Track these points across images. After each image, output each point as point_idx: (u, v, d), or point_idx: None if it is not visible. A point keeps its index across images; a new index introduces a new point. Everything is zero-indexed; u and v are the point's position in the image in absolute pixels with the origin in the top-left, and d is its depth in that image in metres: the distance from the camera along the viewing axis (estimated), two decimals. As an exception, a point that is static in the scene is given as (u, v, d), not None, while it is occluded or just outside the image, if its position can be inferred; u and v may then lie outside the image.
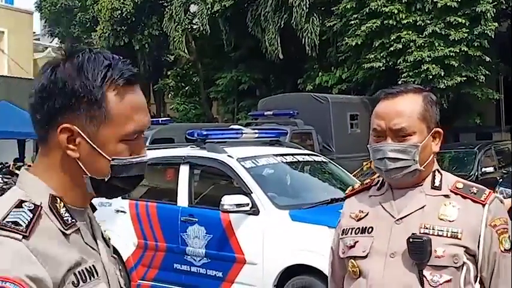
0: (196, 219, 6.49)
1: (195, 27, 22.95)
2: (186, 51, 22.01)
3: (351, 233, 2.03)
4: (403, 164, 1.91)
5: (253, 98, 20.52)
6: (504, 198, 10.43)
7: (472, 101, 16.47)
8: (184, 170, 6.90)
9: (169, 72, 25.46)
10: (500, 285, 1.91)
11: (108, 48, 23.73)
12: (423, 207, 1.93)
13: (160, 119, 18.01)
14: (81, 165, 1.34)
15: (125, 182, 1.40)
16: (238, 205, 6.04)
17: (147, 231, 6.92)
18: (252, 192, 6.17)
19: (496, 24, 14.99)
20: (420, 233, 1.88)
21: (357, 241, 1.98)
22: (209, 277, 6.31)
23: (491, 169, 12.69)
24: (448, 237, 1.87)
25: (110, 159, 1.34)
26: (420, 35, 15.17)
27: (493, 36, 14.91)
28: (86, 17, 26.50)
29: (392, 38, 15.42)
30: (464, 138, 18.00)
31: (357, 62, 16.94)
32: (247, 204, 6.05)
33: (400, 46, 15.25)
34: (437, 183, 1.97)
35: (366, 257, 1.95)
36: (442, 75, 14.79)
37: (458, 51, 14.83)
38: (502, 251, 1.90)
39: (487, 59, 15.20)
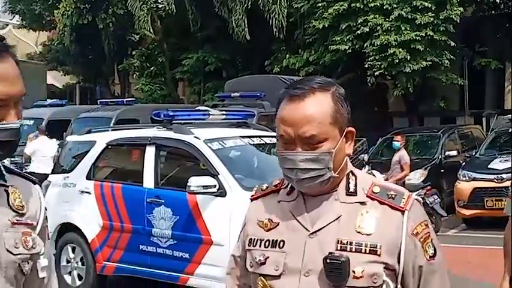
0: (163, 201, 6.43)
1: (160, 6, 22.61)
2: (151, 30, 21.72)
3: (260, 246, 1.81)
4: (316, 173, 1.72)
5: (219, 79, 20.41)
6: (466, 181, 10.53)
7: (436, 85, 16.66)
8: (150, 151, 6.82)
9: (134, 52, 25.10)
10: None
11: (72, 26, 23.28)
12: (339, 217, 1.74)
13: (125, 100, 17.83)
14: None
15: None
16: (205, 187, 6.00)
17: (113, 212, 6.83)
18: (218, 174, 6.13)
19: (461, 9, 15.15)
20: (337, 249, 1.70)
21: (268, 257, 1.78)
22: (175, 258, 6.27)
23: (454, 153, 12.88)
24: (366, 253, 1.70)
25: None
26: (387, 19, 15.24)
27: (458, 21, 15.06)
28: (48, -6, 25.89)
29: (359, 21, 15.46)
30: (428, 122, 18.25)
31: (324, 45, 16.94)
32: (214, 186, 6.01)
33: (367, 29, 15.31)
34: (352, 188, 1.78)
35: (278, 276, 1.76)
36: (408, 59, 14.89)
37: (424, 35, 14.95)
38: (427, 259, 1.76)
39: (452, 43, 15.36)
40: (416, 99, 17.19)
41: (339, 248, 1.71)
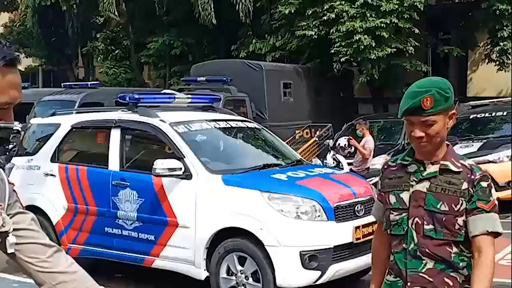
0: (128, 183, 6.42)
1: (126, -11, 22.33)
2: (116, 13, 21.42)
3: None
4: None
5: (185, 63, 20.30)
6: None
7: (401, 72, 16.85)
8: (115, 134, 6.80)
9: (98, 35, 24.77)
10: None
11: (34, 8, 22.85)
12: None
13: (89, 83, 17.58)
14: None
15: None
16: (170, 169, 6.01)
17: (78, 195, 6.81)
18: (184, 157, 6.15)
19: (425, -4, 15.34)
20: None
21: None
22: (141, 240, 6.28)
23: (417, 139, 13.09)
24: None
25: None
26: (352, 5, 15.33)
27: (422, 9, 15.25)
28: (10, -26, 25.35)
29: (325, 8, 15.52)
30: (393, 108, 18.44)
31: (290, 30, 16.99)
32: (180, 169, 6.02)
33: (333, 16, 15.38)
34: None
35: None
36: (373, 46, 15.03)
37: (388, 22, 15.09)
38: None
39: (416, 31, 15.55)
40: (381, 85, 17.39)
41: None
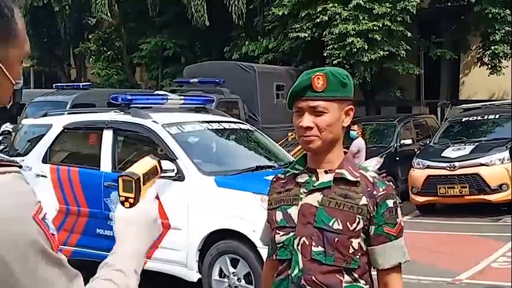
0: (120, 185, 6.38)
1: (118, -11, 22.27)
2: (108, 14, 21.34)
3: None
4: None
5: (178, 64, 20.27)
6: (420, 169, 10.76)
7: (393, 75, 16.89)
8: (107, 135, 6.77)
9: (90, 36, 24.70)
10: None
11: (26, 8, 22.73)
12: None
13: (81, 84, 17.52)
14: None
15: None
16: (163, 171, 5.97)
17: (69, 196, 6.77)
18: (177, 158, 6.13)
19: (418, 0, 15.37)
20: None
21: None
22: (133, 243, 6.23)
23: (409, 141, 13.12)
24: None
25: (14, 83, 1.18)
26: (345, 8, 15.35)
27: (414, 12, 15.29)
28: (2, -26, 25.18)
29: (318, 10, 15.54)
30: (385, 111, 18.51)
31: (283, 32, 16.99)
32: (172, 170, 6.00)
33: (326, 18, 15.39)
34: None
35: None
36: (366, 48, 15.05)
37: (381, 25, 15.12)
38: None
39: (409, 34, 15.58)
40: (373, 88, 17.41)
41: None
